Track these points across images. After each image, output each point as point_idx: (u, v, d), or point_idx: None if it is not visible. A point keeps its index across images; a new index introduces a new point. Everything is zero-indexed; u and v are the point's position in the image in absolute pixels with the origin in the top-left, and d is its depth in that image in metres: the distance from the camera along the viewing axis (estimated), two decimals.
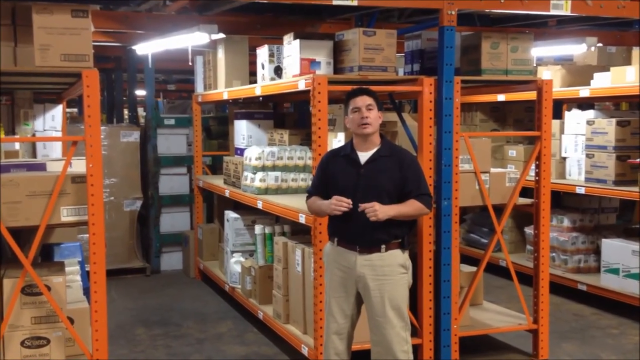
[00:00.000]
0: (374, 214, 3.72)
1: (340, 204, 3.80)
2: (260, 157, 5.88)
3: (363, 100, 3.90)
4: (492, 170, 5.40)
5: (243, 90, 6.36)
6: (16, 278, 4.07)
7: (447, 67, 4.89)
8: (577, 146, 6.84)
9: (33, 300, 4.11)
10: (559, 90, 6.70)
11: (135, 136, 8.16)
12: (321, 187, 4.04)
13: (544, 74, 6.96)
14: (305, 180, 5.90)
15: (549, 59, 7.83)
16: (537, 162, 5.35)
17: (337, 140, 5.15)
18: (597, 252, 6.79)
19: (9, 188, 3.98)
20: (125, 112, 11.60)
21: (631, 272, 6.21)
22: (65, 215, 4.14)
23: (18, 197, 3.99)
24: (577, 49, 7.06)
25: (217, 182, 7.23)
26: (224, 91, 6.70)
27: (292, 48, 5.14)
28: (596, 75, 6.69)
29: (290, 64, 5.21)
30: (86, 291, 4.59)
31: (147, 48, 7.23)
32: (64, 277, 4.24)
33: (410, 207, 3.87)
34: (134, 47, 7.79)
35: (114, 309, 6.60)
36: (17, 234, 4.38)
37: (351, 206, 3.80)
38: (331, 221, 4.03)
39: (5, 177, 4.01)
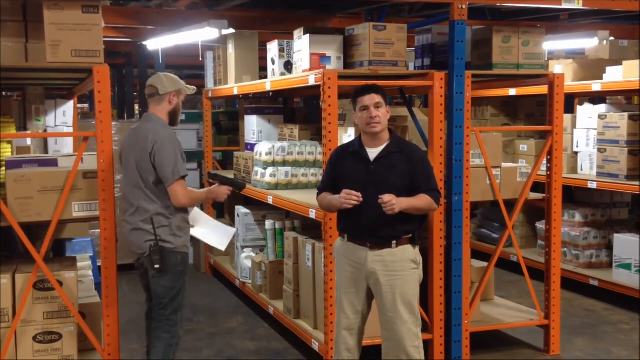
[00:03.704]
0: (391, 207, 3.70)
1: (350, 197, 3.78)
2: (270, 153, 5.88)
3: (371, 99, 3.86)
4: (503, 165, 5.38)
5: (253, 86, 6.36)
6: (28, 273, 4.10)
7: (458, 61, 4.87)
8: (589, 141, 6.80)
9: (45, 296, 4.14)
10: (570, 84, 6.66)
11: None
12: (331, 183, 4.02)
13: (556, 68, 6.91)
14: (315, 175, 5.89)
15: (561, 52, 7.78)
16: (549, 157, 5.32)
17: (347, 135, 5.14)
18: (609, 247, 6.76)
19: (20, 184, 4.00)
20: (136, 107, 11.63)
21: None
22: (77, 210, 4.17)
23: (30, 192, 4.02)
24: (589, 42, 7.03)
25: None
26: (234, 86, 6.70)
27: (302, 43, 5.13)
28: (608, 69, 6.65)
29: (300, 59, 5.20)
30: (98, 286, 4.62)
31: (158, 44, 7.25)
32: (76, 272, 4.27)
33: (421, 201, 3.85)
34: (144, 43, 7.81)
35: (126, 304, 6.61)
36: (29, 230, 4.41)
37: (361, 200, 3.78)
38: (341, 217, 4.02)
39: (17, 173, 4.04)
